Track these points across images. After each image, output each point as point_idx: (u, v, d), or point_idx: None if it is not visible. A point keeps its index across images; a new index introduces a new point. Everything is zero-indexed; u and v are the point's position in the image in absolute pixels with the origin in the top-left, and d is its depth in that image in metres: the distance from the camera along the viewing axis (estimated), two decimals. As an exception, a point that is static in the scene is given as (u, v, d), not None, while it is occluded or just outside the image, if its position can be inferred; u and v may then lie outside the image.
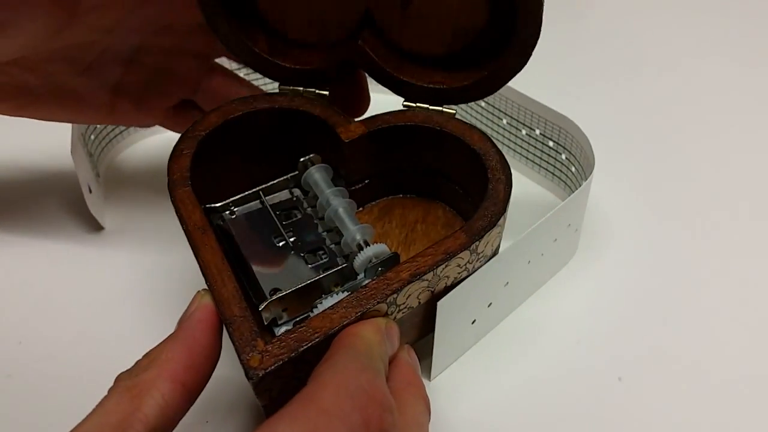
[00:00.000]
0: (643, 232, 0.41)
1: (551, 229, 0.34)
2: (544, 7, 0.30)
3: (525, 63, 0.32)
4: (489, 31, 0.32)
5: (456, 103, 0.34)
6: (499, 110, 0.43)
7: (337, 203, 0.32)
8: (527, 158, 0.44)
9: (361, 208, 0.37)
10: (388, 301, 0.27)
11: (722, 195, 0.44)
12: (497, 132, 0.44)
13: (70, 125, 0.39)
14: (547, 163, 0.42)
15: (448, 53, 0.33)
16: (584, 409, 0.32)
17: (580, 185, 0.38)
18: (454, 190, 0.36)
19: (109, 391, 0.24)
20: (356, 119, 0.33)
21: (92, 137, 0.43)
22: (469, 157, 0.32)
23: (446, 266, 0.28)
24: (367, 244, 0.31)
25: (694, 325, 0.36)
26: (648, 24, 0.62)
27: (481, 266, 0.30)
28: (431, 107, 0.34)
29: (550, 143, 0.41)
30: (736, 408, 0.32)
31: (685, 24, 0.62)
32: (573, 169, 0.40)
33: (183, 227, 0.29)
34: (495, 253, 0.31)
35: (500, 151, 0.32)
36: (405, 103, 0.34)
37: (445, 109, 0.34)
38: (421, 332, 0.32)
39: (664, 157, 0.47)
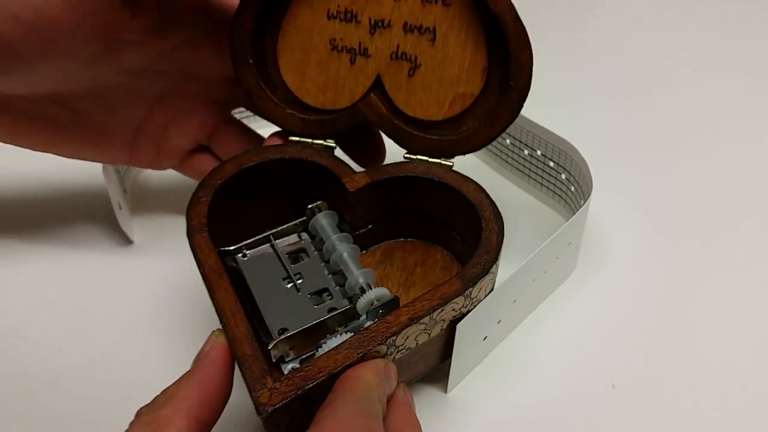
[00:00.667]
0: (639, 246, 0.44)
1: (554, 248, 0.36)
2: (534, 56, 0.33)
3: (517, 114, 0.35)
4: (484, 97, 0.35)
5: (453, 156, 0.36)
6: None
7: (342, 248, 0.35)
8: (529, 176, 0.46)
9: (364, 251, 0.39)
10: (387, 342, 0.29)
11: (718, 211, 0.47)
12: (501, 151, 0.47)
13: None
14: (548, 182, 0.45)
15: (447, 118, 0.36)
16: (582, 413, 0.34)
17: (579, 204, 0.41)
18: (451, 236, 0.38)
19: (130, 425, 0.26)
20: (361, 170, 0.36)
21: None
22: (465, 206, 0.35)
23: (442, 310, 0.30)
24: (369, 287, 0.33)
25: (686, 332, 0.38)
26: (644, 41, 0.66)
27: (474, 308, 0.32)
28: (431, 159, 0.36)
29: (551, 164, 0.43)
30: (732, 425, 0.34)
31: (681, 41, 0.66)
32: (572, 188, 0.42)
33: (200, 270, 0.31)
34: (488, 294, 0.33)
35: (494, 202, 0.34)
36: (406, 155, 0.37)
37: (443, 162, 0.36)
38: (440, 358, 0.34)
39: (661, 174, 0.50)
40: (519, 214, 0.43)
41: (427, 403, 0.35)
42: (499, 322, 0.35)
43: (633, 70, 0.62)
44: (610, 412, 0.35)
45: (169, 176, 0.49)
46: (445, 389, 0.35)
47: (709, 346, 0.38)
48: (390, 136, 0.37)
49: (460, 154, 0.36)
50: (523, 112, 0.35)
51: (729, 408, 0.35)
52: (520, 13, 0.33)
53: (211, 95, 0.40)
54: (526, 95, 0.34)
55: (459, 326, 0.31)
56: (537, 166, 0.45)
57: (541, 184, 0.45)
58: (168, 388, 0.27)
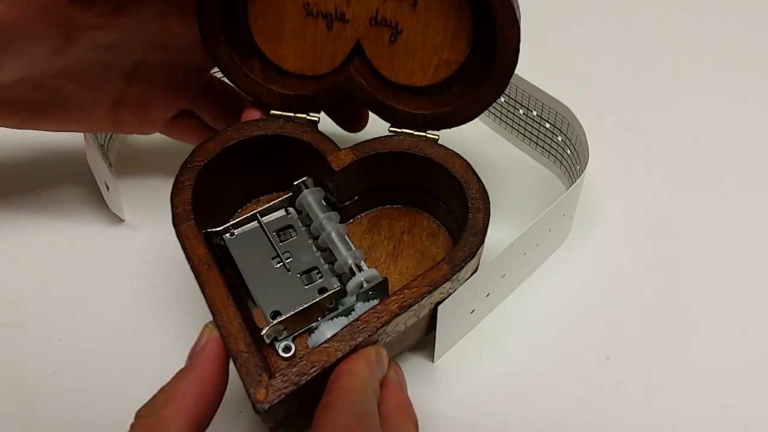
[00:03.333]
0: (633, 215, 0.43)
1: (547, 221, 0.36)
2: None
3: (503, 90, 0.34)
4: (470, 62, 0.34)
5: (440, 129, 0.36)
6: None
7: (330, 228, 0.35)
8: (524, 135, 0.45)
9: (351, 220, 0.39)
10: (378, 332, 0.30)
11: (715, 178, 0.46)
12: (495, 109, 0.46)
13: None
14: (544, 142, 0.44)
15: (432, 84, 0.35)
16: (573, 386, 0.36)
17: (574, 167, 0.40)
18: (437, 204, 0.38)
19: (131, 427, 0.27)
20: (345, 147, 0.35)
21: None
22: (451, 182, 0.34)
23: (430, 296, 0.31)
24: (359, 268, 0.33)
25: (677, 304, 0.39)
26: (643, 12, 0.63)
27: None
28: (416, 133, 0.36)
29: (547, 125, 0.42)
30: (725, 391, 0.35)
31: (679, 12, 0.63)
32: (568, 151, 0.42)
33: (189, 263, 0.31)
34: (474, 272, 0.34)
35: (480, 180, 0.34)
36: (391, 128, 0.36)
37: (429, 135, 0.36)
38: (426, 331, 0.35)
39: (658, 140, 0.48)
40: (510, 172, 0.42)
41: (414, 372, 0.36)
42: (487, 295, 0.36)
43: (637, 38, 0.59)
44: (601, 384, 0.35)
45: (156, 141, 0.47)
46: (432, 358, 0.37)
47: (700, 313, 0.38)
48: (373, 109, 0.36)
49: (446, 127, 0.35)
50: (519, 71, 0.34)
51: (723, 376, 0.36)
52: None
53: (187, 61, 0.39)
54: (512, 74, 0.33)
55: (440, 308, 0.32)
56: (532, 126, 0.44)
57: (536, 143, 0.44)
58: (166, 387, 0.28)
